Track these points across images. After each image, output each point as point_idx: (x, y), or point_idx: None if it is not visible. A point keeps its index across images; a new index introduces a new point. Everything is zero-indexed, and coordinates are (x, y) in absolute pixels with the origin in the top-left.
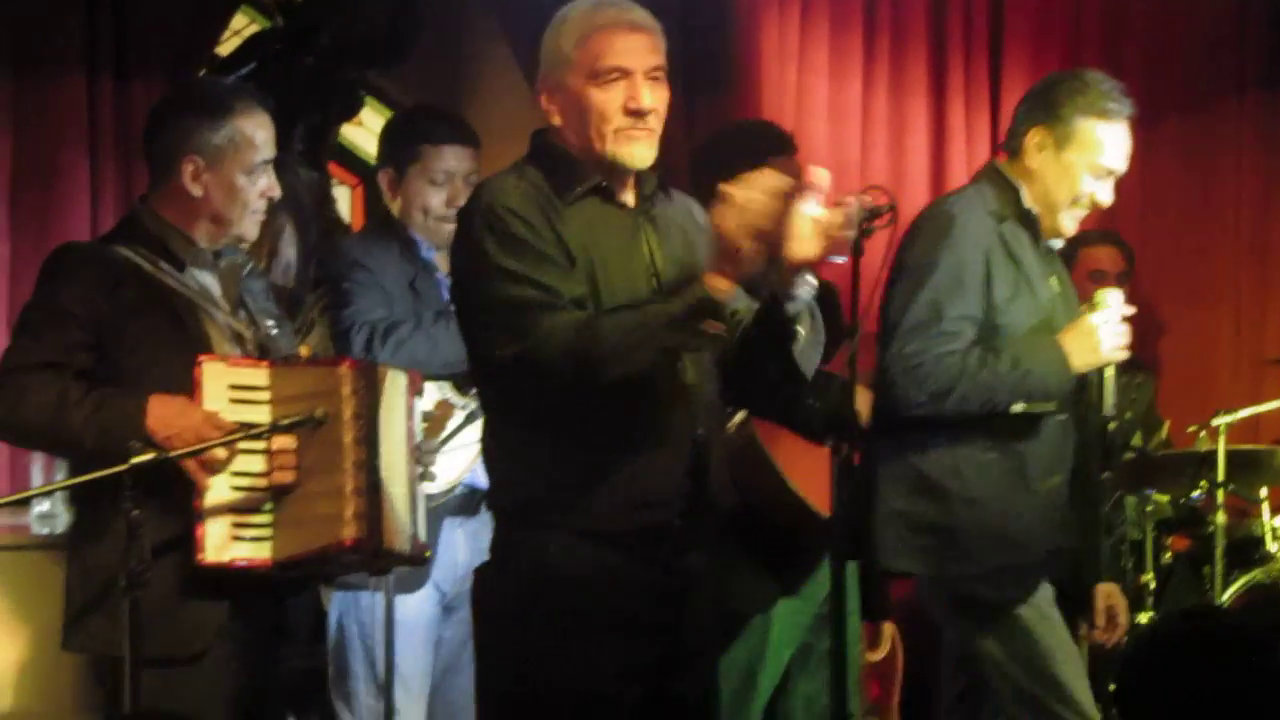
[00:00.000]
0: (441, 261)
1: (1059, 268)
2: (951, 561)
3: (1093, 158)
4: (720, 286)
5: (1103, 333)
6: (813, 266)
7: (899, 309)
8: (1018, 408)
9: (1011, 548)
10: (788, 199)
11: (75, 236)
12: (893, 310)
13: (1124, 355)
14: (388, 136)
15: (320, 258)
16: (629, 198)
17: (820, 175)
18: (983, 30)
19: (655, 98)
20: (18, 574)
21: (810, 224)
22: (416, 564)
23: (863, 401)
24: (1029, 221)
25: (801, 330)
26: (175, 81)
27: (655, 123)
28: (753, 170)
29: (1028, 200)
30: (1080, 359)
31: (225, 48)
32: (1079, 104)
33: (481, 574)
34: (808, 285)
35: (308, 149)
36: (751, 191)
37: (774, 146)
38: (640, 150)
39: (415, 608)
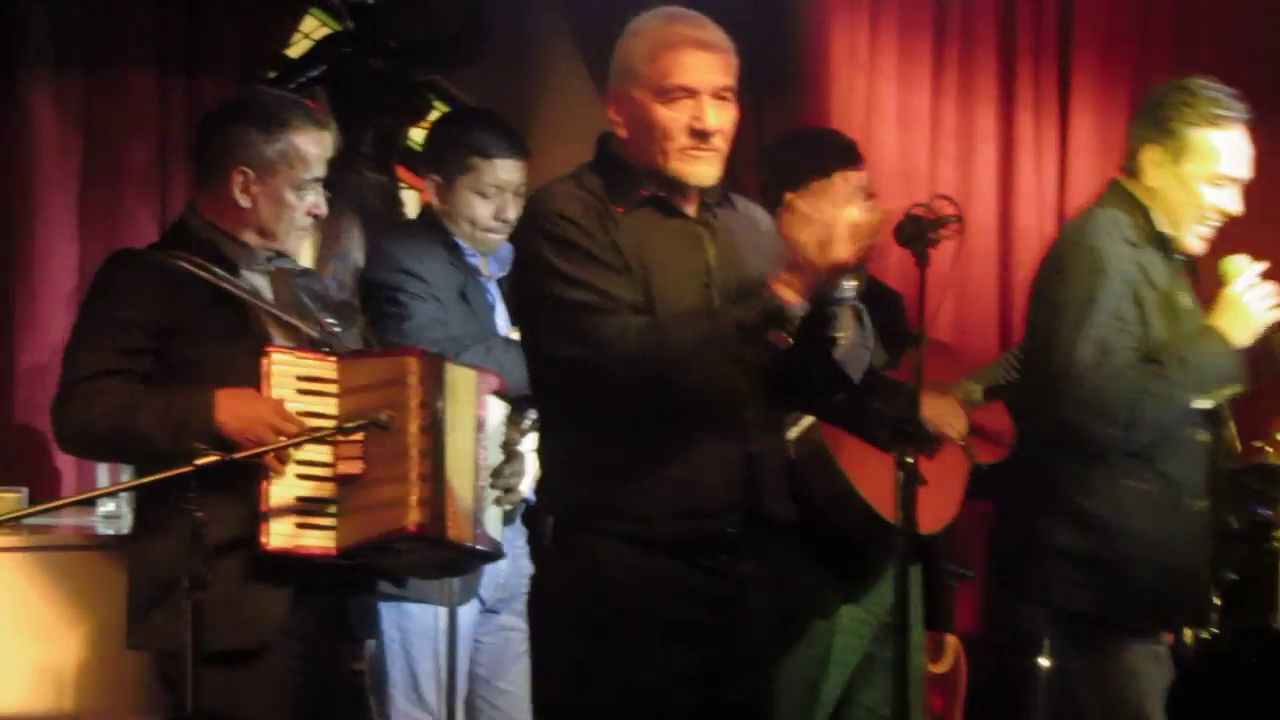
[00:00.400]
0: (483, 266)
1: (1187, 282)
2: (1116, 597)
3: (1210, 167)
4: (788, 296)
5: (1247, 299)
6: (851, 268)
7: (1066, 352)
8: (1203, 403)
9: (1172, 576)
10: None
11: (144, 237)
12: (1058, 354)
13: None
14: (438, 143)
15: (369, 262)
16: (689, 207)
17: (863, 181)
18: (1052, 39)
19: (721, 118)
20: (83, 574)
21: (847, 226)
22: (491, 559)
23: (937, 409)
24: (1163, 244)
25: (843, 334)
26: (244, 83)
27: (720, 143)
28: (820, 180)
29: (1160, 223)
30: (1239, 333)
31: (295, 50)
32: (1187, 115)
33: (536, 581)
34: (847, 287)
35: (376, 152)
36: (820, 203)
37: (842, 158)
38: (703, 169)
39: (436, 612)
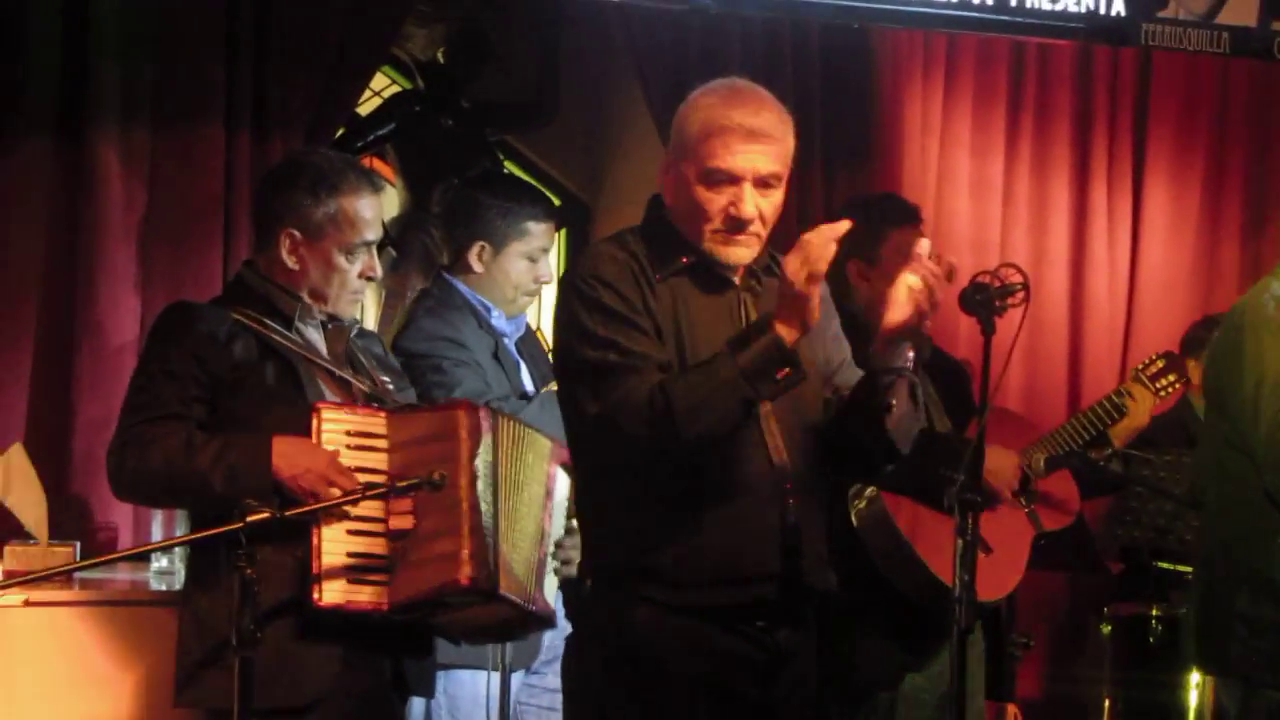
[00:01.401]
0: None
1: None
2: None
3: None
4: (784, 331)
5: None
6: (909, 337)
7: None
8: None
9: None
10: (866, 261)
11: (207, 292)
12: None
13: None
14: (485, 209)
15: (401, 335)
16: (734, 274)
17: (921, 245)
18: (1128, 110)
19: (762, 206)
20: (136, 628)
21: (906, 290)
22: (545, 626)
23: (997, 464)
24: None
25: (895, 402)
26: (313, 139)
27: (759, 228)
28: (886, 239)
29: None
30: None
31: (365, 108)
32: None
33: (570, 643)
34: (905, 357)
35: (445, 206)
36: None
37: (896, 217)
38: (738, 253)
39: (487, 679)
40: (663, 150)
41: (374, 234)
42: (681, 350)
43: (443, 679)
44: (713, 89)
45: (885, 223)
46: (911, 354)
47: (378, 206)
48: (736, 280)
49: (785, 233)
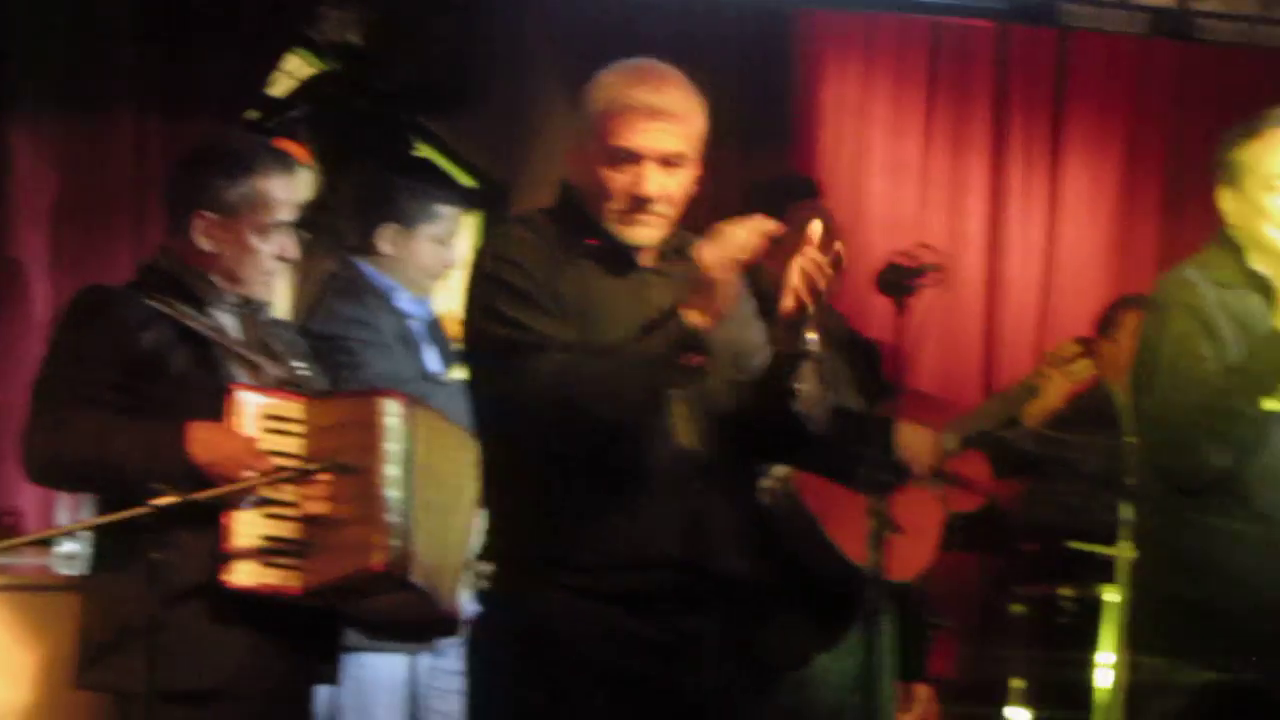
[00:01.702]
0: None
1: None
2: (1213, 647)
3: (1263, 175)
4: (695, 318)
5: None
6: (806, 321)
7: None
8: (1274, 406)
9: (1266, 624)
10: (770, 240)
11: (118, 275)
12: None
13: None
14: (399, 191)
15: (309, 317)
16: (645, 256)
17: (814, 226)
18: (1045, 90)
19: (666, 185)
20: (41, 613)
21: (798, 275)
22: (448, 632)
23: (912, 442)
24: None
25: (803, 386)
26: (225, 122)
27: (664, 208)
28: (788, 213)
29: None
30: None
31: (278, 89)
32: (1231, 141)
33: (475, 627)
34: (809, 340)
35: (353, 188)
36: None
37: (794, 193)
38: (641, 233)
39: (395, 662)
40: None
41: (288, 214)
42: (587, 334)
43: (350, 664)
44: (618, 68)
45: (785, 198)
46: (813, 335)
47: (292, 187)
48: (645, 262)
49: (702, 212)
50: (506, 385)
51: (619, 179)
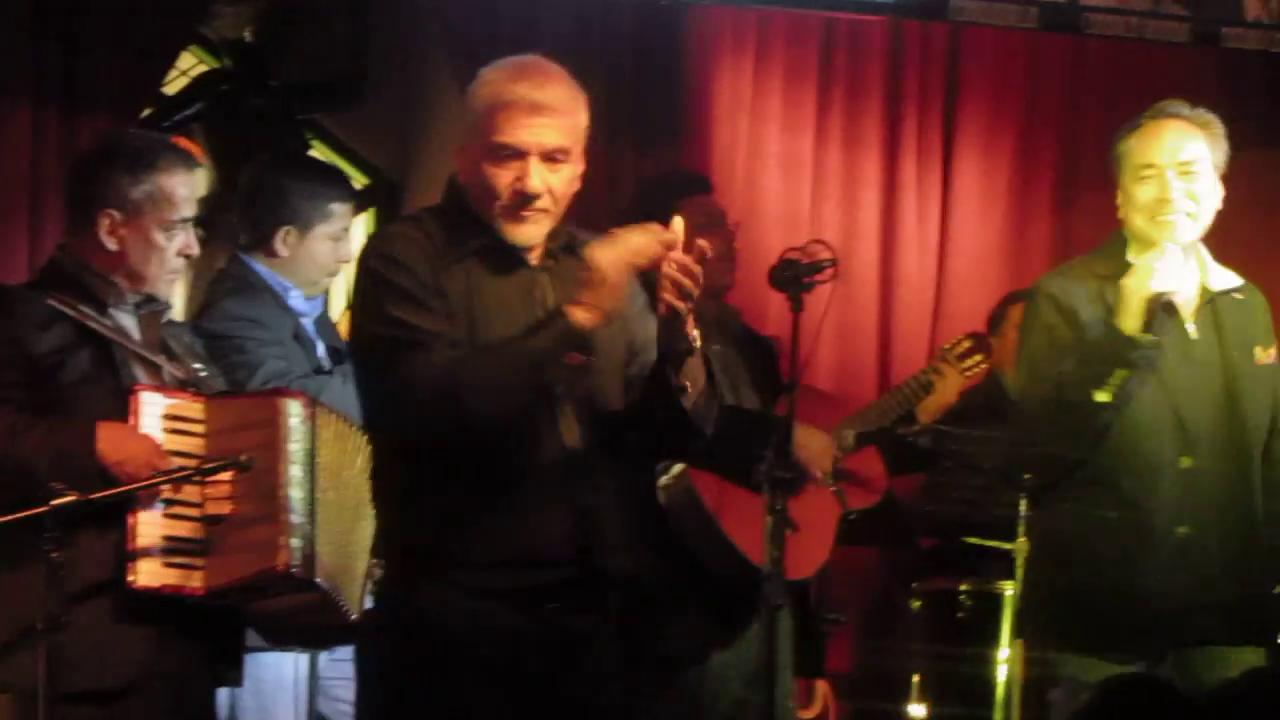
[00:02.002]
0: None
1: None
2: (1079, 631)
3: (1134, 166)
4: (581, 317)
5: (1129, 283)
6: (681, 320)
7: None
8: (1102, 397)
9: (1139, 606)
10: (663, 242)
11: (13, 273)
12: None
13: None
14: (292, 193)
15: (202, 316)
16: (531, 254)
17: (676, 223)
18: (938, 85)
19: (550, 181)
20: None
21: (664, 276)
22: (345, 639)
23: (809, 446)
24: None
25: (690, 384)
26: (120, 119)
27: (548, 204)
28: (678, 209)
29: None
30: (1122, 317)
31: (172, 87)
32: (1117, 136)
33: (366, 622)
34: (687, 337)
35: (244, 187)
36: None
37: (683, 187)
38: (527, 230)
39: (294, 661)
40: None
41: (191, 211)
42: (474, 333)
43: (249, 663)
44: (500, 65)
45: (673, 194)
46: (695, 332)
47: (193, 184)
48: (533, 260)
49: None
50: (393, 383)
51: (503, 176)
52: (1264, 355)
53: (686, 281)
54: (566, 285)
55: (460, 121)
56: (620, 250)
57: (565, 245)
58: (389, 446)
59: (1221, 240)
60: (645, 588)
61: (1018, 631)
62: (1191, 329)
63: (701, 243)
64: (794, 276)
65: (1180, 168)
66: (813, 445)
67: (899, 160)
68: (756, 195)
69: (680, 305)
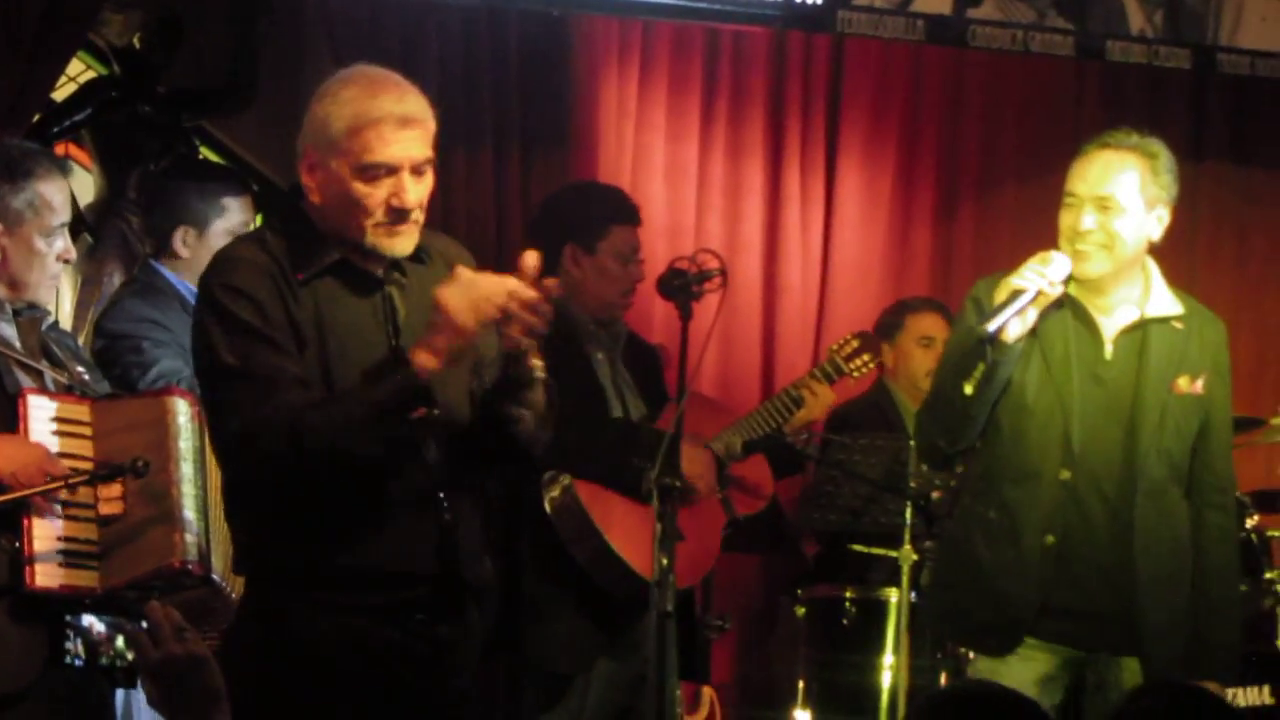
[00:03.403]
0: None
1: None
2: (952, 618)
3: (1065, 190)
4: (427, 364)
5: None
6: (530, 350)
7: None
8: (967, 389)
9: (994, 605)
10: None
11: None
12: None
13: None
14: (186, 195)
15: (103, 315)
16: (377, 268)
17: (527, 258)
18: (821, 95)
19: (420, 193)
20: None
21: (518, 305)
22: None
23: (689, 462)
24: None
25: (527, 412)
26: (10, 126)
27: (419, 215)
28: (609, 232)
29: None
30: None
31: (60, 93)
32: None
33: (228, 637)
34: (529, 371)
35: (141, 196)
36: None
37: (621, 215)
38: (402, 243)
39: None
40: None
41: (67, 216)
42: (326, 357)
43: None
44: (349, 80)
45: (610, 219)
46: (538, 363)
47: (68, 189)
48: (380, 272)
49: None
50: (238, 423)
51: (376, 194)
52: (1189, 386)
53: (535, 322)
54: (413, 298)
55: (312, 139)
56: (470, 297)
57: (413, 255)
58: (241, 474)
59: None
60: (513, 598)
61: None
62: (1109, 350)
63: (549, 282)
64: (683, 286)
65: (1098, 201)
66: (694, 465)
67: (783, 170)
68: (642, 204)
69: (524, 343)
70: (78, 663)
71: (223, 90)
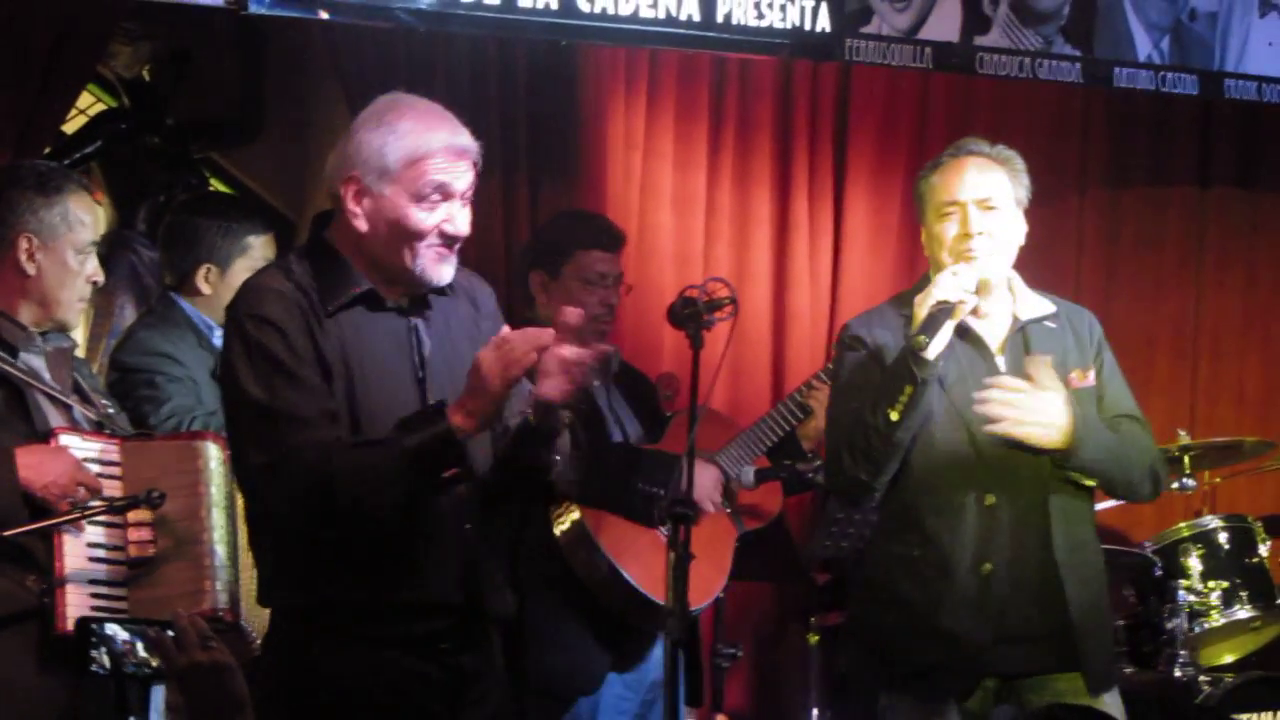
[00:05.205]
0: None
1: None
2: (887, 664)
3: (936, 204)
4: (463, 425)
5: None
6: (561, 403)
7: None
8: (894, 416)
9: (945, 644)
10: (549, 349)
11: None
12: None
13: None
14: (215, 232)
15: (118, 348)
16: (402, 299)
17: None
18: (828, 123)
19: (468, 222)
20: None
21: (558, 362)
22: None
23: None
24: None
25: (558, 458)
26: (21, 158)
27: (461, 243)
28: (572, 257)
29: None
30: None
31: (70, 126)
32: (920, 177)
33: (253, 667)
34: (560, 418)
35: (150, 229)
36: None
37: (585, 239)
38: (447, 270)
39: None
40: None
41: (97, 235)
42: (352, 389)
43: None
44: (399, 109)
45: (572, 242)
46: (566, 413)
47: (95, 209)
48: (406, 304)
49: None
50: (270, 460)
51: (430, 218)
52: (1081, 378)
53: (580, 374)
54: (437, 330)
55: (361, 167)
56: (502, 359)
57: (438, 287)
58: (265, 507)
59: (1110, 276)
60: (526, 625)
61: (842, 671)
62: (1001, 362)
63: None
64: (694, 314)
65: (981, 204)
66: (703, 481)
67: (791, 198)
68: (650, 233)
69: (569, 394)
70: (102, 672)
71: (230, 122)
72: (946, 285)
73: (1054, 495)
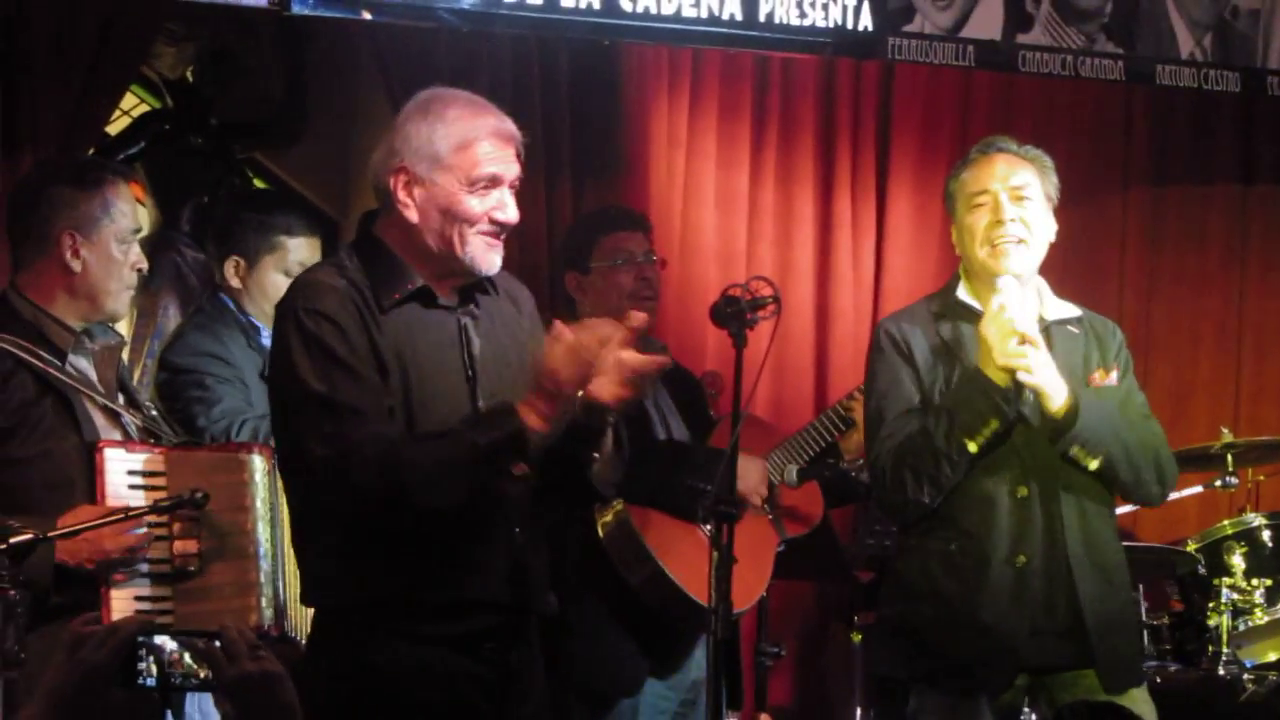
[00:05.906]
0: None
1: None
2: (923, 659)
3: (966, 196)
4: (532, 421)
5: (988, 331)
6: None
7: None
8: (972, 448)
9: (983, 637)
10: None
11: None
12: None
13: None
14: (240, 224)
15: (167, 348)
16: (450, 297)
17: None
18: (870, 123)
19: (516, 211)
20: None
21: (617, 365)
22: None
23: (744, 475)
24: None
25: (599, 456)
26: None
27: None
28: (596, 246)
29: (963, 290)
30: (990, 366)
31: (114, 127)
32: (951, 175)
33: (303, 672)
34: (605, 420)
35: (194, 229)
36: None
37: (604, 224)
38: (495, 258)
39: None
40: None
41: (138, 222)
42: (407, 386)
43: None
44: (446, 100)
45: (593, 232)
46: (612, 418)
47: (131, 198)
48: (454, 302)
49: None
50: (331, 453)
51: (481, 205)
52: (1103, 377)
53: (640, 380)
54: (486, 329)
55: (411, 157)
56: (577, 362)
57: (477, 285)
58: (315, 502)
59: (1153, 274)
60: (570, 626)
61: (872, 667)
62: None
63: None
64: (737, 313)
65: (1013, 192)
66: (750, 475)
67: (834, 196)
68: (693, 232)
69: (613, 404)
70: (150, 683)
71: (274, 122)
72: (1014, 312)
73: (1074, 490)
